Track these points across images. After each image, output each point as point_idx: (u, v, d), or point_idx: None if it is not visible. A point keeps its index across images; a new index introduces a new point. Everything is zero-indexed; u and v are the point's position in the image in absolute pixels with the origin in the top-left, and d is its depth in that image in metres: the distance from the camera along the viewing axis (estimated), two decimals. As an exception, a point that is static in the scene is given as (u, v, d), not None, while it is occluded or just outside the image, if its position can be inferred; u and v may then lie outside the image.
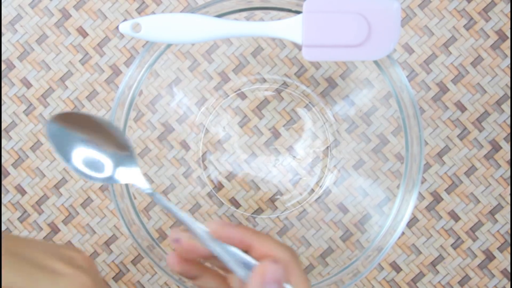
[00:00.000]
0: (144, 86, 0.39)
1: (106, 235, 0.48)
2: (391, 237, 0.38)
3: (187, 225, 0.29)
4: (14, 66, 0.48)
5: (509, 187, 0.47)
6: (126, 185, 0.39)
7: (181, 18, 0.34)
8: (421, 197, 0.47)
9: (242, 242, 0.29)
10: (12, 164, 0.48)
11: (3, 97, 0.48)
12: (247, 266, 0.28)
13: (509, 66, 0.47)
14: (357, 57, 0.34)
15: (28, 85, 0.48)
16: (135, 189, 0.44)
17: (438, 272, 0.47)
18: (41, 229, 0.48)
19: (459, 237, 0.47)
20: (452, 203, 0.47)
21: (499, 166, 0.47)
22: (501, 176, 0.47)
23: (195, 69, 0.47)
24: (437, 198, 0.47)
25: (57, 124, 0.32)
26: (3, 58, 0.48)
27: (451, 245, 0.47)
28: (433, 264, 0.47)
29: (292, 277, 0.28)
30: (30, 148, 0.48)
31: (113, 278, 0.48)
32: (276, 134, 0.48)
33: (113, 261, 0.48)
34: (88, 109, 0.48)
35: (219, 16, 0.37)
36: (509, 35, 0.47)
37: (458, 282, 0.47)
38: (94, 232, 0.48)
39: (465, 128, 0.47)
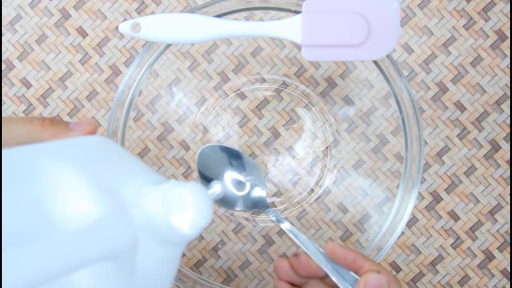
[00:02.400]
0: (143, 86, 0.39)
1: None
2: (390, 237, 0.38)
3: (306, 244, 0.34)
4: (14, 66, 0.48)
5: (508, 187, 0.47)
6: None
7: (180, 18, 0.34)
8: (420, 197, 0.47)
9: (355, 263, 0.32)
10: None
11: (3, 97, 0.48)
12: (353, 284, 0.33)
13: (509, 66, 0.47)
14: (356, 57, 0.34)
15: (28, 85, 0.48)
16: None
17: (437, 272, 0.47)
18: None
19: (458, 237, 0.47)
20: (451, 203, 0.47)
21: (499, 166, 0.47)
22: (500, 176, 0.47)
23: (195, 69, 0.47)
24: (437, 198, 0.47)
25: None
26: (3, 58, 0.48)
27: (451, 245, 0.47)
28: (433, 264, 0.47)
29: None
30: (30, 148, 0.48)
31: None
32: (275, 134, 0.48)
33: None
34: (88, 109, 0.48)
35: (219, 16, 0.37)
36: (508, 35, 0.47)
37: (458, 282, 0.47)
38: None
39: (465, 128, 0.47)
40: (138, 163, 0.28)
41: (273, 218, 0.38)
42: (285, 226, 0.37)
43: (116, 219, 0.24)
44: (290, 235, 0.36)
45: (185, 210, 0.25)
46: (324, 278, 0.35)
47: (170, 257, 0.26)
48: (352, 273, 0.32)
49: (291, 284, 0.35)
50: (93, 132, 0.30)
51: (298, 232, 0.36)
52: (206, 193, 0.26)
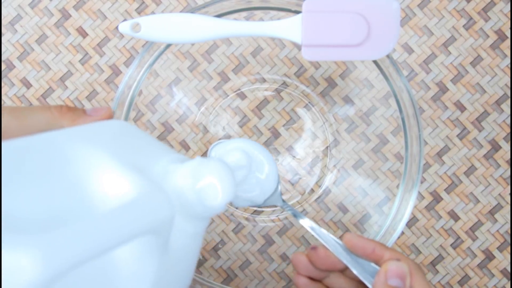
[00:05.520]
0: (143, 86, 0.39)
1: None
2: (390, 236, 0.38)
3: (323, 237, 0.34)
4: (14, 66, 0.48)
5: (508, 187, 0.47)
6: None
7: (180, 18, 0.34)
8: (420, 196, 0.47)
9: (374, 253, 0.31)
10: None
11: (3, 97, 0.48)
12: (374, 276, 0.31)
13: (509, 66, 0.47)
14: (356, 57, 0.34)
15: (28, 85, 0.48)
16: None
17: (437, 272, 0.47)
18: None
19: (458, 237, 0.47)
20: (451, 202, 0.47)
21: (499, 165, 0.47)
22: (500, 175, 0.47)
23: (195, 69, 0.47)
24: (437, 198, 0.47)
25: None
26: (3, 58, 0.48)
27: (451, 245, 0.47)
28: (433, 263, 0.47)
29: (416, 283, 0.30)
30: (30, 148, 0.48)
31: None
32: (275, 134, 0.48)
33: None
34: (88, 109, 0.48)
35: (219, 16, 0.37)
36: (508, 35, 0.47)
37: (458, 282, 0.47)
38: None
39: (465, 128, 0.47)
40: (160, 144, 0.29)
41: (290, 213, 0.38)
42: (304, 221, 0.36)
43: (154, 193, 0.25)
44: (309, 229, 0.35)
45: (213, 184, 0.26)
46: (345, 270, 0.34)
47: (197, 232, 0.28)
48: (373, 264, 0.32)
49: (311, 278, 0.34)
50: (109, 117, 0.31)
51: (316, 226, 0.35)
52: (230, 170, 0.27)
